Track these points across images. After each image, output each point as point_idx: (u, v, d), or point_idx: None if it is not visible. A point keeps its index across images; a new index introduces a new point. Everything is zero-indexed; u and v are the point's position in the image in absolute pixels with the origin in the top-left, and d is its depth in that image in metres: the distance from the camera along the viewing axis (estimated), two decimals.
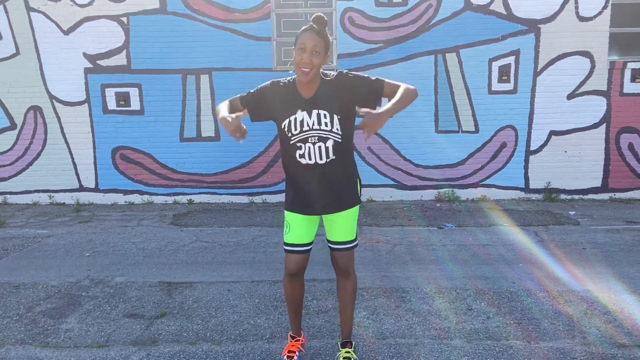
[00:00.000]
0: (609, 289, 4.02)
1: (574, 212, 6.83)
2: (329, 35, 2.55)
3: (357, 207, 2.75)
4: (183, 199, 7.76)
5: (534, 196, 7.72)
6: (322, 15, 2.50)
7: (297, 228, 2.70)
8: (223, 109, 2.64)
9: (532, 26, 7.36)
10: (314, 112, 2.54)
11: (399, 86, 2.63)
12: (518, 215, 6.64)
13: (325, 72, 2.64)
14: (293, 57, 2.50)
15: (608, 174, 7.68)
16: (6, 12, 7.43)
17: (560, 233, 5.79)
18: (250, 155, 7.65)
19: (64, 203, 7.78)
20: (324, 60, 2.52)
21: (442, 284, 4.20)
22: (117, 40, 7.44)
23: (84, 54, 7.48)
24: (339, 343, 2.95)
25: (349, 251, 2.76)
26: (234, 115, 2.54)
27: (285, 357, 2.91)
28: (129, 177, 7.76)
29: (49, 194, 7.80)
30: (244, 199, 7.76)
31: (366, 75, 2.64)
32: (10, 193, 7.81)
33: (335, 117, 2.55)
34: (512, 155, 7.66)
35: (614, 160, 7.65)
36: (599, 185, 7.70)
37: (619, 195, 7.69)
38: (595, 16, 7.32)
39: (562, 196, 7.69)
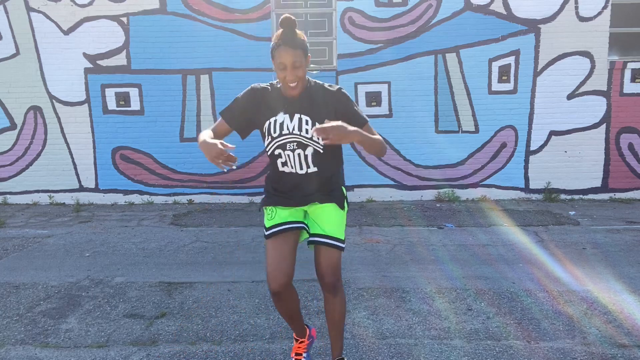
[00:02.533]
0: (609, 289, 4.02)
1: (574, 212, 6.83)
2: (303, 38, 2.36)
3: (344, 211, 2.56)
4: (183, 199, 7.76)
5: (534, 196, 7.72)
6: (289, 16, 2.32)
7: (282, 213, 2.50)
8: (204, 133, 2.41)
9: (532, 26, 7.36)
10: (296, 115, 2.39)
11: (375, 134, 2.49)
12: (518, 215, 6.64)
13: (317, 82, 2.50)
14: (274, 70, 2.35)
15: (608, 174, 7.68)
16: (6, 12, 7.43)
17: (560, 233, 5.79)
18: (250, 155, 7.65)
19: (64, 203, 7.78)
20: (307, 63, 2.37)
21: (442, 284, 4.20)
22: (117, 40, 7.44)
23: (84, 54, 7.48)
24: None
25: (335, 250, 2.48)
26: (216, 141, 2.22)
27: (293, 359, 2.81)
28: (129, 177, 7.76)
29: (49, 194, 7.80)
30: (244, 199, 7.76)
31: (357, 109, 2.49)
32: (10, 193, 7.81)
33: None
34: (512, 155, 7.66)
35: (614, 160, 7.65)
36: (599, 186, 7.70)
37: (619, 195, 7.69)
38: (595, 16, 7.32)
39: (562, 196, 7.69)
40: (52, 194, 7.80)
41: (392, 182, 7.70)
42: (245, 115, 2.48)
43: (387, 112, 7.54)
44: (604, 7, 7.29)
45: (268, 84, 2.50)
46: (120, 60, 7.48)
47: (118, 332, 3.40)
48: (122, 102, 7.59)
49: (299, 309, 2.69)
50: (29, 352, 3.14)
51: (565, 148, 7.63)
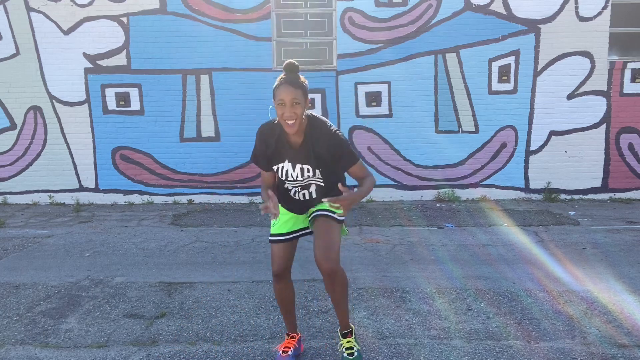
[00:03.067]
0: (609, 289, 4.02)
1: (574, 212, 6.83)
2: (304, 81, 2.58)
3: (340, 215, 2.74)
4: (183, 199, 7.76)
5: (534, 196, 7.72)
6: (293, 62, 2.57)
7: (285, 220, 2.81)
8: (264, 194, 2.69)
9: (532, 26, 7.36)
10: (298, 166, 2.66)
11: (364, 174, 2.67)
12: (518, 215, 6.64)
13: (315, 118, 2.68)
14: (275, 108, 2.55)
15: (608, 174, 7.68)
16: (6, 12, 7.43)
17: (560, 233, 5.79)
18: (250, 156, 7.64)
19: (64, 203, 7.78)
20: (306, 105, 2.56)
21: (442, 284, 4.20)
22: (117, 40, 7.44)
23: (84, 54, 7.48)
24: (339, 334, 2.94)
25: (331, 224, 2.69)
26: (270, 204, 2.54)
27: (280, 352, 2.92)
28: (129, 177, 7.76)
29: (49, 194, 7.81)
30: (244, 199, 7.76)
31: (348, 150, 2.66)
32: (10, 193, 7.81)
33: (317, 171, 2.66)
34: (512, 155, 7.66)
35: (614, 161, 7.65)
36: (599, 185, 7.70)
37: (619, 195, 7.69)
38: (595, 16, 7.32)
39: (562, 196, 7.69)
40: (52, 194, 7.80)
41: (392, 182, 7.70)
42: (267, 156, 2.74)
43: (387, 112, 7.54)
44: (604, 7, 7.29)
45: (274, 122, 2.68)
46: (120, 60, 7.48)
47: (118, 332, 3.40)
48: (122, 102, 7.59)
49: (294, 303, 2.98)
50: (29, 352, 3.14)
51: (565, 148, 7.63)
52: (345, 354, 2.86)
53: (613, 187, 7.70)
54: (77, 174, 7.77)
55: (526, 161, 7.68)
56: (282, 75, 2.56)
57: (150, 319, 3.59)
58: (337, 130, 2.66)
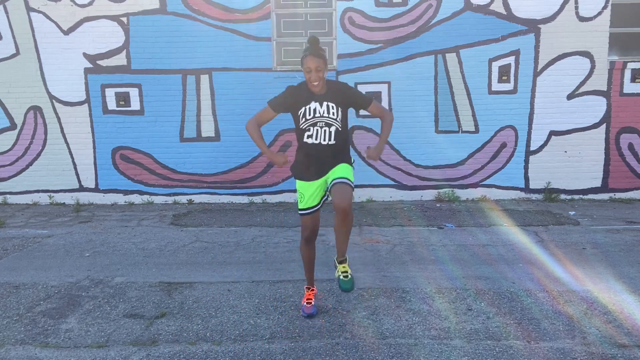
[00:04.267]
0: (609, 289, 4.02)
1: (574, 212, 6.83)
2: (323, 52, 3.38)
3: (352, 167, 3.45)
4: (183, 199, 7.76)
5: (534, 196, 7.72)
6: (315, 36, 3.39)
7: (309, 194, 3.44)
8: (261, 142, 3.53)
9: (532, 26, 7.36)
10: (324, 103, 3.34)
11: (382, 111, 3.52)
12: (518, 215, 6.64)
13: (332, 80, 3.50)
14: (303, 70, 3.32)
15: (608, 174, 7.68)
16: (6, 12, 7.43)
17: (560, 233, 5.79)
18: (250, 156, 7.65)
19: (64, 203, 7.78)
20: (326, 71, 3.35)
21: (442, 284, 4.20)
22: (117, 40, 7.44)
23: (84, 54, 7.48)
24: (335, 260, 3.54)
25: (346, 185, 3.27)
26: (280, 156, 3.48)
27: (305, 303, 3.59)
28: (129, 177, 7.76)
29: (49, 194, 7.80)
30: (244, 199, 7.76)
31: (360, 94, 3.55)
32: (10, 193, 7.81)
33: (339, 109, 3.35)
34: (512, 155, 7.66)
35: (614, 161, 7.65)
36: (599, 186, 7.70)
37: (619, 195, 7.69)
38: (595, 16, 7.32)
39: (562, 196, 7.68)
40: (52, 194, 7.80)
41: (392, 182, 7.70)
42: (285, 104, 3.44)
43: None
44: (604, 7, 7.29)
45: (298, 84, 3.45)
46: (120, 60, 7.48)
47: (118, 332, 3.40)
48: (122, 102, 7.58)
49: (314, 262, 3.64)
50: (29, 352, 3.14)
51: (565, 148, 7.63)
52: (341, 277, 3.46)
53: (613, 187, 7.70)
54: (77, 174, 7.77)
55: (526, 161, 7.68)
56: (307, 47, 3.35)
57: (150, 319, 3.59)
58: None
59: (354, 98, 3.42)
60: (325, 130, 3.34)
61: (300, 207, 3.51)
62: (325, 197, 3.51)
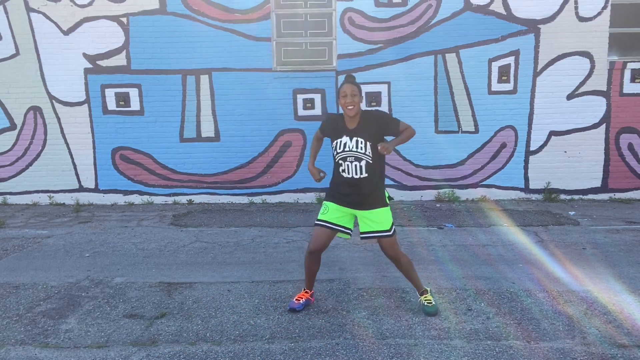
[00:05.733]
0: (609, 289, 4.02)
1: (573, 212, 6.83)
2: (358, 84, 3.59)
3: (387, 208, 3.57)
4: (183, 199, 7.76)
5: (533, 196, 7.72)
6: (352, 75, 3.67)
7: (333, 212, 3.59)
8: (312, 152, 3.83)
9: (532, 26, 7.36)
10: (354, 139, 3.51)
11: (407, 128, 3.60)
12: (518, 216, 6.64)
13: (368, 110, 3.69)
14: (339, 103, 3.54)
15: (608, 174, 7.68)
16: (6, 12, 7.44)
17: (560, 233, 5.79)
18: (250, 156, 7.65)
19: (63, 203, 7.78)
20: (361, 99, 3.55)
21: (442, 284, 4.20)
22: (117, 40, 7.44)
23: (84, 54, 7.48)
24: (418, 294, 3.71)
25: (385, 238, 3.54)
26: (317, 172, 3.67)
27: (294, 300, 3.70)
28: (129, 178, 7.76)
29: (48, 194, 7.80)
30: (244, 199, 7.76)
31: (390, 117, 3.69)
32: (10, 193, 7.81)
33: (368, 144, 3.49)
34: (512, 156, 7.66)
35: (614, 161, 7.65)
36: (599, 186, 7.71)
37: (618, 195, 7.70)
38: (595, 16, 7.32)
39: (562, 196, 7.69)
40: (52, 194, 7.80)
41: (392, 182, 7.69)
42: (328, 131, 3.70)
43: (387, 112, 7.54)
44: (604, 7, 7.30)
45: (337, 113, 3.81)
46: (120, 60, 7.48)
47: (118, 332, 3.40)
48: (122, 103, 7.59)
49: (317, 272, 3.73)
50: (29, 353, 3.14)
51: (565, 148, 7.63)
52: (425, 303, 3.62)
53: (613, 187, 7.70)
54: (77, 174, 7.77)
55: (526, 161, 7.68)
56: (343, 81, 3.57)
57: (150, 319, 3.59)
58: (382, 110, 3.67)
59: (385, 124, 3.56)
60: (355, 165, 3.49)
61: (319, 217, 3.61)
62: (347, 230, 3.64)
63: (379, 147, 3.40)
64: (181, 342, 3.24)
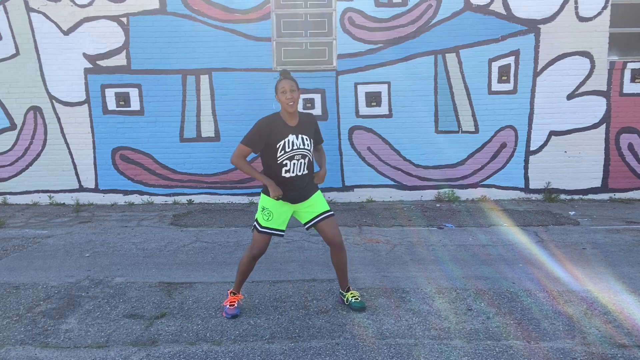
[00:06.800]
0: (609, 289, 4.02)
1: (573, 212, 6.83)
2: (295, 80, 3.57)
3: (319, 191, 3.70)
4: (183, 199, 7.76)
5: (534, 196, 7.72)
6: (287, 70, 3.68)
7: (277, 216, 3.57)
8: (253, 171, 3.67)
9: (532, 26, 7.36)
10: (300, 136, 3.52)
11: (321, 148, 3.80)
12: (518, 216, 6.64)
13: (302, 112, 3.69)
14: (278, 100, 3.46)
15: (608, 174, 7.68)
16: (6, 12, 7.43)
17: (560, 233, 5.79)
18: (250, 156, 7.63)
19: (63, 203, 7.78)
20: (298, 95, 3.50)
21: (442, 284, 4.20)
22: (117, 40, 7.44)
23: (84, 55, 7.48)
24: (342, 292, 3.75)
25: (332, 217, 3.60)
26: (277, 190, 3.50)
27: (228, 305, 3.64)
28: (129, 178, 7.76)
29: (48, 194, 7.80)
30: (244, 199, 7.76)
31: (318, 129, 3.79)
32: (10, 193, 7.81)
33: (311, 141, 3.58)
34: (512, 156, 7.66)
35: (614, 161, 7.65)
36: (599, 186, 7.71)
37: (618, 195, 7.70)
38: (595, 16, 7.32)
39: (562, 196, 7.69)
40: (52, 194, 7.80)
41: (392, 182, 7.70)
42: (261, 140, 3.52)
43: (387, 112, 7.54)
44: (604, 7, 7.30)
45: (271, 115, 3.54)
46: (120, 60, 7.48)
47: (118, 332, 3.40)
48: (122, 102, 7.59)
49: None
50: (29, 353, 3.14)
51: (565, 148, 7.63)
52: (352, 300, 3.67)
53: (613, 187, 7.70)
54: (77, 174, 7.77)
55: (526, 161, 7.68)
56: (280, 77, 3.52)
57: (150, 319, 3.59)
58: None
59: (317, 131, 3.69)
60: (301, 163, 3.52)
61: (263, 224, 3.56)
62: (280, 232, 3.65)
63: (314, 180, 3.57)
64: (181, 342, 3.24)
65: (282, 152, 3.47)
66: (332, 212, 3.63)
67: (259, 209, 3.64)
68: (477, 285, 4.14)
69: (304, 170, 3.54)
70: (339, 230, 3.62)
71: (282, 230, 3.63)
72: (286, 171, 3.50)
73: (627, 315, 3.55)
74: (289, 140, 3.47)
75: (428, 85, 7.49)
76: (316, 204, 3.61)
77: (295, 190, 3.55)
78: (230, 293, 3.69)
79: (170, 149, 7.67)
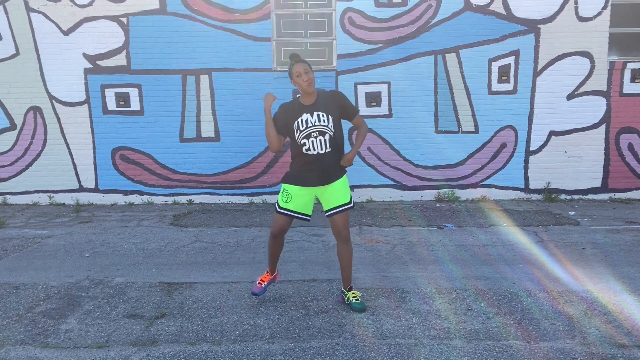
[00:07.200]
0: (609, 289, 4.02)
1: (573, 212, 6.83)
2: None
3: (345, 176, 3.67)
4: (183, 199, 7.76)
5: (533, 196, 7.72)
6: (296, 53, 3.65)
7: (296, 199, 3.60)
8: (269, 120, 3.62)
9: (532, 26, 7.36)
10: (315, 113, 3.53)
11: (361, 123, 3.73)
12: (518, 216, 6.64)
13: (322, 89, 3.73)
14: (294, 84, 3.54)
15: (608, 174, 7.68)
16: (6, 12, 7.43)
17: (560, 233, 5.79)
18: (250, 156, 7.65)
19: (63, 203, 7.78)
20: (313, 74, 3.55)
21: (442, 284, 4.20)
22: (117, 40, 7.44)
23: (84, 55, 7.48)
24: (343, 290, 3.76)
25: (346, 213, 3.63)
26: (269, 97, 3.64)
27: (257, 282, 3.80)
28: (129, 178, 7.76)
29: (48, 194, 7.80)
30: (244, 199, 7.76)
31: (350, 103, 3.70)
32: (10, 193, 7.81)
33: (330, 117, 3.53)
34: (512, 156, 7.66)
35: (614, 161, 7.65)
36: (599, 186, 7.71)
37: (618, 195, 7.70)
38: (595, 16, 7.32)
39: (562, 196, 7.69)
40: (52, 194, 7.80)
41: (392, 183, 7.70)
42: (281, 122, 3.61)
43: (387, 112, 7.54)
44: (604, 7, 7.30)
45: (290, 101, 3.68)
46: (120, 60, 7.48)
47: (118, 332, 3.40)
48: (122, 103, 7.59)
49: (280, 254, 3.82)
50: (29, 353, 3.14)
51: (565, 148, 7.63)
52: (353, 301, 3.67)
53: (613, 187, 7.70)
54: (77, 174, 7.77)
55: (526, 161, 7.68)
56: (292, 62, 3.56)
57: (150, 319, 3.59)
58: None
59: (344, 105, 3.62)
60: (320, 140, 3.51)
61: (282, 205, 3.62)
62: (305, 217, 3.69)
63: (342, 161, 3.55)
64: (181, 342, 3.24)
65: (298, 131, 3.52)
66: (350, 205, 3.65)
67: (281, 190, 3.70)
68: (477, 286, 4.14)
69: (326, 148, 3.52)
70: (347, 224, 3.65)
71: (304, 214, 3.65)
72: (307, 150, 3.52)
73: (627, 315, 3.55)
74: (302, 119, 3.51)
75: (428, 85, 7.50)
76: (338, 193, 3.61)
77: (315, 171, 3.54)
78: (266, 272, 3.84)
79: (170, 149, 7.67)
